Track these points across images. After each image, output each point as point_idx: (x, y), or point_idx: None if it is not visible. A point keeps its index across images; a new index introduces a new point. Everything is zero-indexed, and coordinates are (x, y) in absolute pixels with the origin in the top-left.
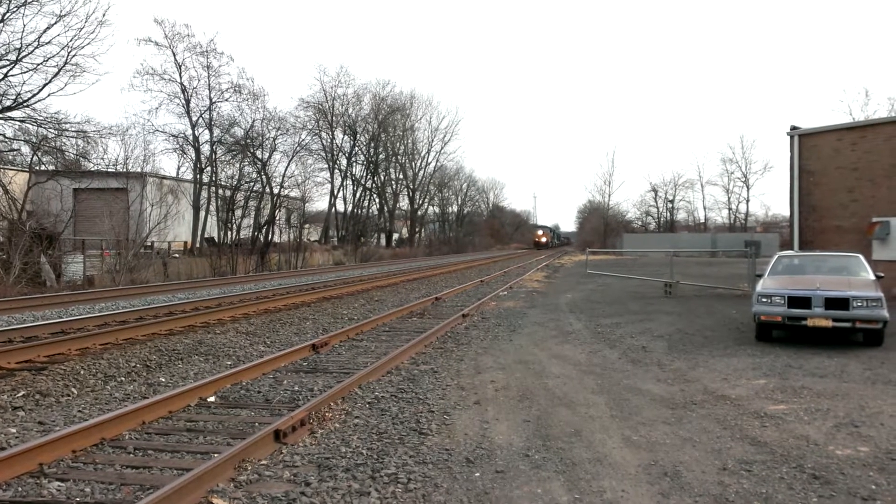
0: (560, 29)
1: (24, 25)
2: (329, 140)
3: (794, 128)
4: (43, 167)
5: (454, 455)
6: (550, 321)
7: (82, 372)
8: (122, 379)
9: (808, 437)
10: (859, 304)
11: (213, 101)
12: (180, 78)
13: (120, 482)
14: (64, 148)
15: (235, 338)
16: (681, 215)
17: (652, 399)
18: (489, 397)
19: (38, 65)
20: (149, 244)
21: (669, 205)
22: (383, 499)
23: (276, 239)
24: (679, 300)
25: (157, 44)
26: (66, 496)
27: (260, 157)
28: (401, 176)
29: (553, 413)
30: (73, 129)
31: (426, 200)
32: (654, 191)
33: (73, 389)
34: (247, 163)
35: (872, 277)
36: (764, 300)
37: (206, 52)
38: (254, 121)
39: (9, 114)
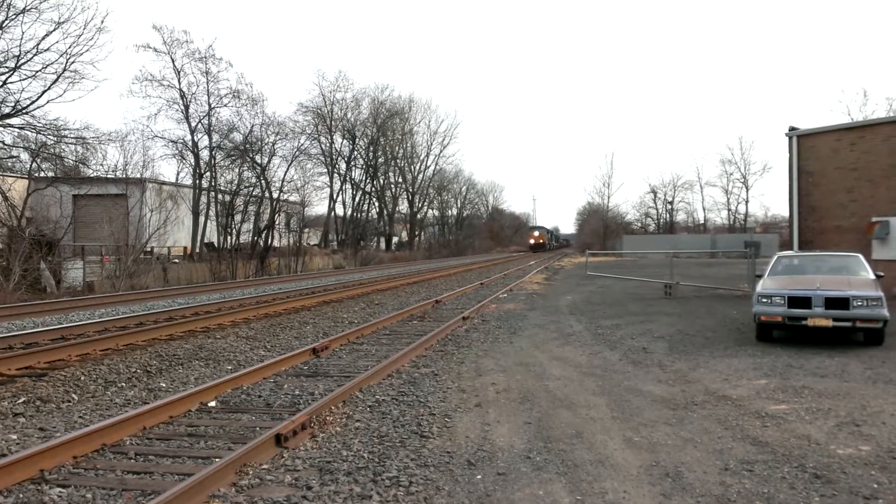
0: (559, 32)
1: (23, 33)
2: (328, 144)
3: (792, 128)
4: (42, 174)
5: (455, 458)
6: (551, 323)
7: (83, 378)
8: (123, 384)
9: (810, 436)
10: (859, 303)
11: (212, 106)
12: (179, 84)
13: (121, 488)
14: (63, 154)
15: (236, 342)
16: (680, 216)
17: (653, 400)
18: (490, 400)
19: (37, 72)
20: (148, 250)
21: (669, 206)
22: (385, 502)
23: (276, 243)
24: (679, 301)
25: (155, 50)
26: (67, 502)
27: (259, 161)
28: (400, 179)
29: (554, 415)
30: (72, 135)
31: (425, 204)
32: (654, 192)
33: (73, 395)
34: (246, 168)
35: (872, 277)
36: (764, 300)
37: (205, 57)
38: (253, 126)
39: (8, 121)
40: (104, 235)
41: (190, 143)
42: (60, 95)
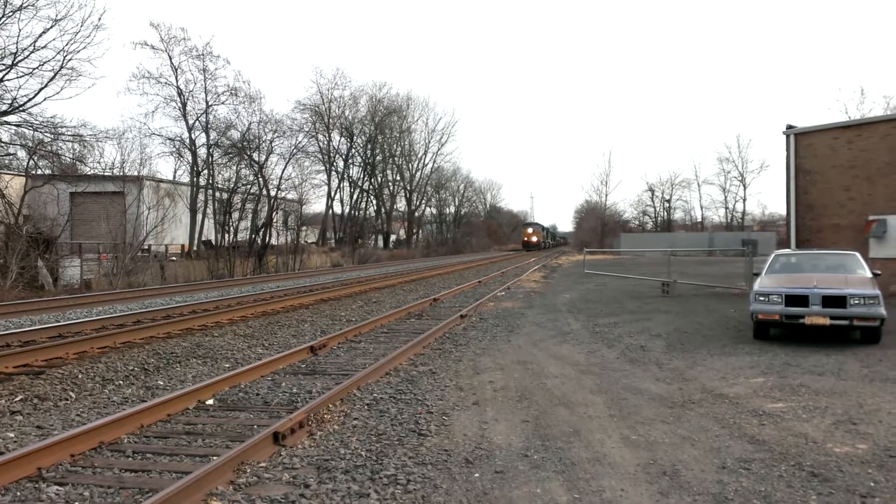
0: (556, 30)
1: (20, 30)
2: (326, 142)
3: (790, 126)
4: (39, 171)
5: (453, 456)
6: (548, 321)
7: (80, 376)
8: (121, 382)
9: (807, 434)
10: (856, 301)
11: (210, 104)
12: (176, 81)
13: (119, 486)
14: (60, 152)
15: (233, 340)
16: (678, 215)
17: (650, 398)
18: (488, 398)
19: (34, 69)
20: (146, 247)
21: (666, 204)
22: (383, 500)
23: (274, 241)
24: (677, 299)
25: (153, 47)
26: (64, 500)
27: (256, 159)
28: (398, 177)
29: (552, 413)
30: (69, 133)
31: (423, 202)
32: (651, 190)
33: (71, 393)
34: (243, 165)
35: (869, 275)
36: (761, 298)
37: (202, 55)
38: (250, 123)
39: (4, 118)
40: (101, 233)
41: (187, 141)
42: (57, 93)
